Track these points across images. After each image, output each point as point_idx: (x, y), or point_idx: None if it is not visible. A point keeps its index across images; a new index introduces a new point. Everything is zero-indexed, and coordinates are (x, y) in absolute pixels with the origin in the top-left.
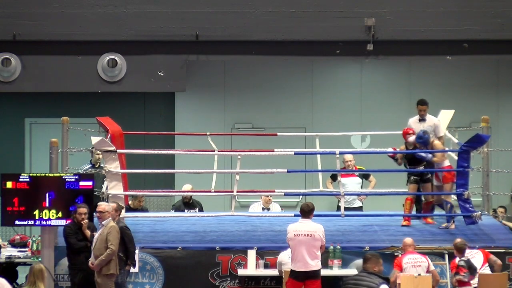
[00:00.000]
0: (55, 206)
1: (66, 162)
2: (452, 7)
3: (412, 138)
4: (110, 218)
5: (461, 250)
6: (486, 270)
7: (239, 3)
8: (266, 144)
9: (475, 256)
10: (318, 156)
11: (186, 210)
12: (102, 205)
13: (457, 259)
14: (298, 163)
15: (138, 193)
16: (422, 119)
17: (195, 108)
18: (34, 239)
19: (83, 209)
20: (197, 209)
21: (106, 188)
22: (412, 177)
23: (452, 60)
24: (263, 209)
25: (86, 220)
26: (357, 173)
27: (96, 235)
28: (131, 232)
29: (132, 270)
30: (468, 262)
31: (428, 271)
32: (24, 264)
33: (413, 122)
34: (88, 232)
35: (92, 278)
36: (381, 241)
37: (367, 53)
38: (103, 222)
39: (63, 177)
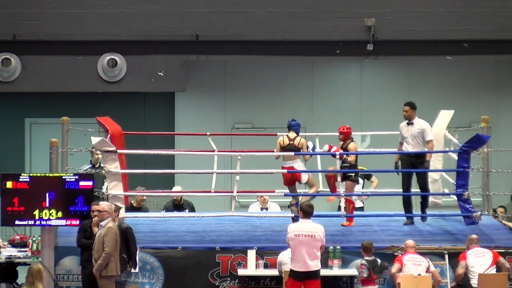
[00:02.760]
0: (55, 206)
1: (66, 162)
2: (452, 7)
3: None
4: (110, 219)
5: (366, 250)
6: (493, 272)
7: (239, 3)
8: (266, 144)
9: (485, 255)
10: (318, 156)
11: (175, 212)
12: (102, 205)
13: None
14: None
15: (138, 193)
16: (409, 123)
17: (195, 108)
18: (34, 239)
19: (95, 206)
20: (187, 210)
21: (106, 188)
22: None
23: (452, 60)
24: (261, 209)
25: (96, 218)
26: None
27: (96, 236)
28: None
29: (132, 270)
30: (372, 262)
31: (428, 271)
32: (24, 264)
33: (403, 126)
34: (96, 230)
35: (93, 277)
36: (381, 241)
37: (367, 53)
38: (101, 223)
39: (63, 177)
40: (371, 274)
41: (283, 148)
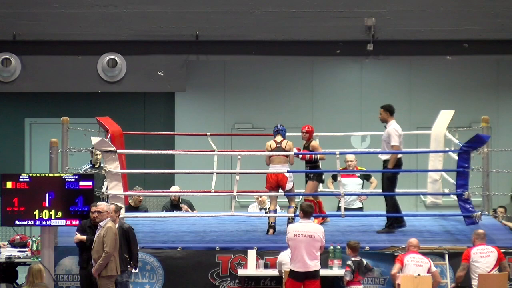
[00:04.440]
0: (55, 206)
1: (66, 162)
2: (452, 7)
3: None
4: (109, 219)
5: (354, 250)
6: (496, 273)
7: (239, 3)
8: None
9: (490, 255)
10: (318, 156)
11: (174, 211)
12: (101, 205)
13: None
14: (298, 163)
15: (138, 193)
16: (385, 126)
17: (195, 108)
18: (34, 239)
19: (94, 208)
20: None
21: (106, 188)
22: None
23: (452, 60)
24: (260, 209)
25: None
26: (358, 174)
27: (95, 236)
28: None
29: (133, 270)
30: (358, 262)
31: (429, 272)
32: (24, 264)
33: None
34: (82, 237)
35: (91, 277)
36: (381, 241)
37: (367, 53)
38: (101, 223)
39: (63, 177)
40: (356, 275)
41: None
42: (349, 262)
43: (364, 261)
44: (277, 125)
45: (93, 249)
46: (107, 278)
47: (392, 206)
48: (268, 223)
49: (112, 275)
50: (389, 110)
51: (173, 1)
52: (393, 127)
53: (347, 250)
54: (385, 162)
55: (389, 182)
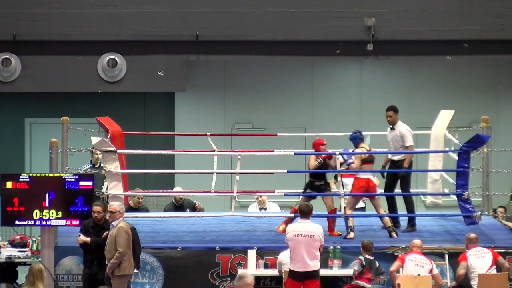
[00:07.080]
0: (55, 206)
1: (66, 162)
2: (452, 7)
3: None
4: (122, 218)
5: (366, 249)
6: (494, 272)
7: (239, 3)
8: (266, 144)
9: (485, 256)
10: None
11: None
12: (114, 205)
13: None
14: (298, 163)
15: (138, 193)
16: (392, 128)
17: (195, 108)
18: (34, 239)
19: (95, 207)
20: (188, 210)
21: (106, 188)
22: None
23: (452, 60)
24: (260, 209)
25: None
26: None
27: (108, 236)
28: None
29: (135, 270)
30: (370, 261)
31: (430, 273)
32: (24, 264)
33: (388, 130)
34: (86, 239)
35: (94, 278)
36: (381, 241)
37: (367, 53)
38: (113, 223)
39: (63, 177)
40: (366, 272)
41: (364, 161)
42: (360, 257)
43: (377, 263)
44: (351, 133)
45: (106, 249)
46: (120, 278)
47: (410, 204)
48: None
49: (126, 274)
50: (398, 111)
51: (173, 1)
52: (406, 128)
53: (361, 248)
54: (397, 162)
55: (404, 181)
